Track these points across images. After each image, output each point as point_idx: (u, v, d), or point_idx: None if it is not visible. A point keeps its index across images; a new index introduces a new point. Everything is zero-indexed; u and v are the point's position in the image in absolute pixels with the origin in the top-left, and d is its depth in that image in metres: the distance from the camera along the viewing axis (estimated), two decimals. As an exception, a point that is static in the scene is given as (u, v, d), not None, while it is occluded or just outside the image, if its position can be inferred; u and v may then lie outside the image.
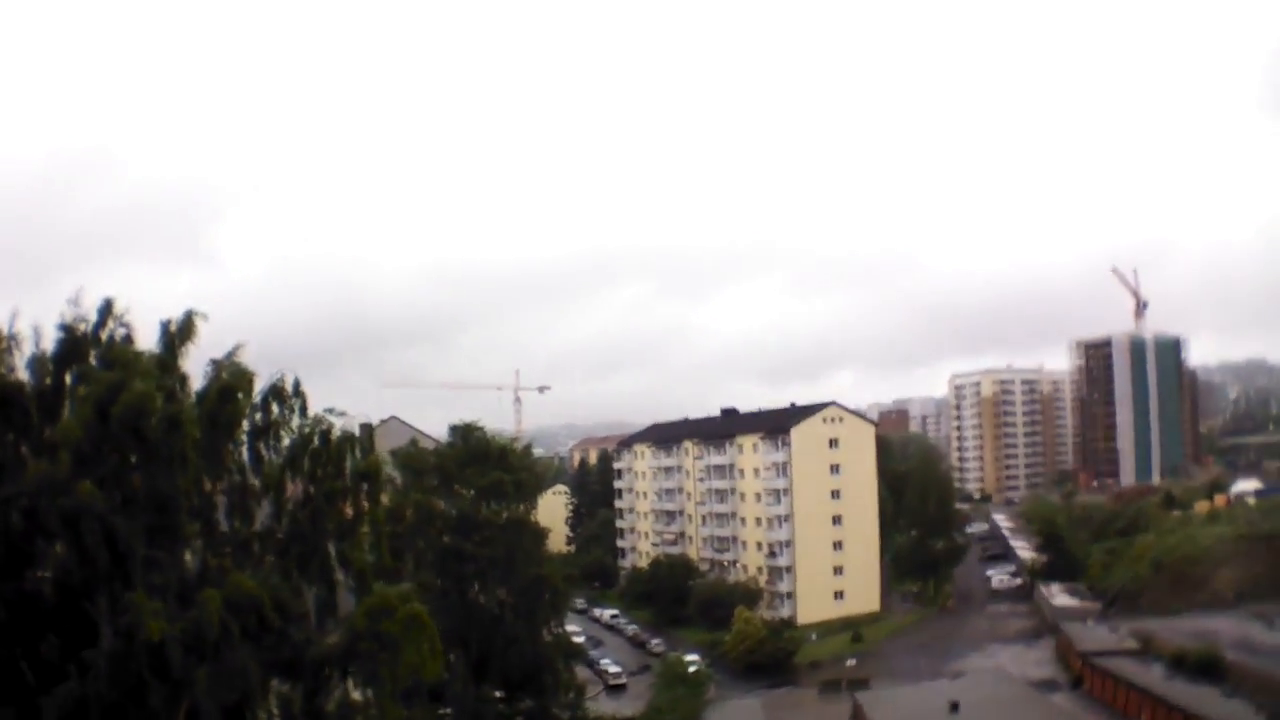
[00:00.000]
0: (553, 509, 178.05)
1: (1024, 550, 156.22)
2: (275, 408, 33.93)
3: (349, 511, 34.50)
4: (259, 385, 33.84)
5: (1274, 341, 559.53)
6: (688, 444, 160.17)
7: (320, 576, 33.22)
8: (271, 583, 30.62)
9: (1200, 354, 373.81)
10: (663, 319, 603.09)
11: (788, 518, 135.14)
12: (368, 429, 39.83)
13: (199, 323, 33.03)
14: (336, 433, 35.15)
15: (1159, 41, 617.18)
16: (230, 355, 33.49)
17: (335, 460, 34.61)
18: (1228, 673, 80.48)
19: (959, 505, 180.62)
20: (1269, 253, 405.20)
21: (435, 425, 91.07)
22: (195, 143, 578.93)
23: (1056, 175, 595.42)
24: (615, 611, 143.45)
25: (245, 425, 33.30)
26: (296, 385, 34.21)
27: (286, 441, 34.32)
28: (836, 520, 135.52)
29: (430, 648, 30.57)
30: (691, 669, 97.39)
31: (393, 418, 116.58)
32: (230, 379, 32.34)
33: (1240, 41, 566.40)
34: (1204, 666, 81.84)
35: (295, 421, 34.30)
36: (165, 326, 32.95)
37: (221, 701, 27.31)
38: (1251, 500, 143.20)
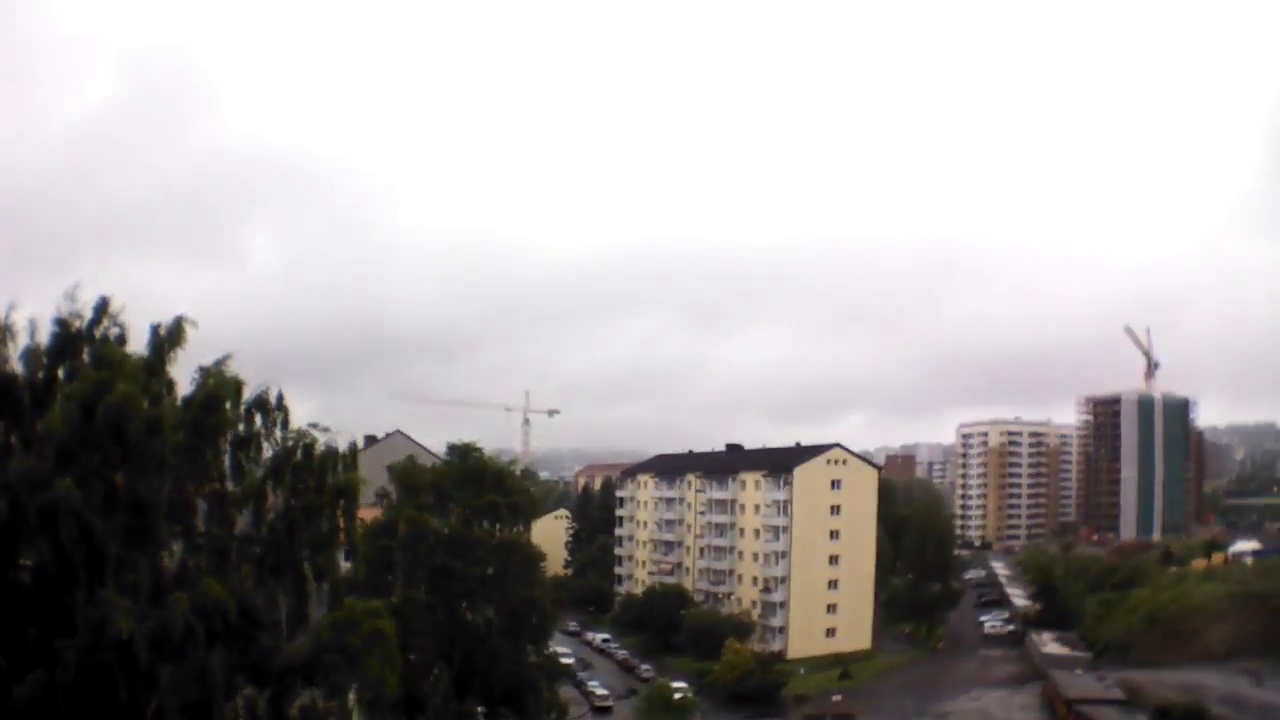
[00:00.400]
0: (553, 532, 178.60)
1: (1019, 598, 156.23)
2: (258, 419, 34.67)
3: (326, 526, 35.16)
4: (248, 393, 34.61)
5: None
6: (691, 477, 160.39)
7: (293, 586, 33.90)
8: (244, 589, 31.28)
9: (1209, 415, 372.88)
10: (676, 351, 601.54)
11: (785, 554, 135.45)
12: (355, 445, 40.05)
13: (189, 329, 33.72)
14: (320, 448, 35.88)
15: (1178, 99, 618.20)
16: (219, 363, 34.14)
17: (316, 475, 35.31)
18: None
19: (958, 551, 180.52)
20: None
21: (442, 442, 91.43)
22: (221, 141, 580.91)
23: (1075, 233, 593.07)
24: (607, 636, 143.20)
25: (228, 434, 33.97)
26: (280, 398, 34.98)
27: (269, 453, 35.01)
28: (834, 560, 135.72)
29: (390, 663, 31.21)
30: (677, 695, 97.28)
31: (397, 432, 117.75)
32: (216, 387, 33.04)
33: (1258, 103, 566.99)
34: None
35: (278, 434, 34.99)
36: (155, 331, 33.67)
37: (185, 700, 27.95)
38: (1249, 560, 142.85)
